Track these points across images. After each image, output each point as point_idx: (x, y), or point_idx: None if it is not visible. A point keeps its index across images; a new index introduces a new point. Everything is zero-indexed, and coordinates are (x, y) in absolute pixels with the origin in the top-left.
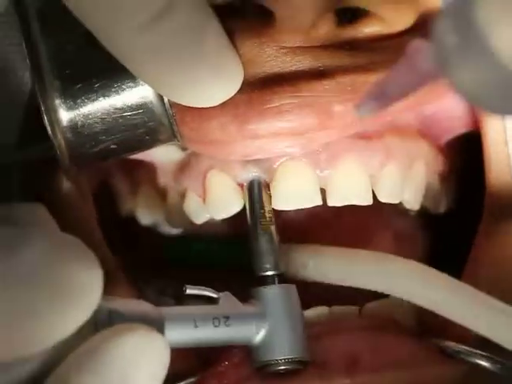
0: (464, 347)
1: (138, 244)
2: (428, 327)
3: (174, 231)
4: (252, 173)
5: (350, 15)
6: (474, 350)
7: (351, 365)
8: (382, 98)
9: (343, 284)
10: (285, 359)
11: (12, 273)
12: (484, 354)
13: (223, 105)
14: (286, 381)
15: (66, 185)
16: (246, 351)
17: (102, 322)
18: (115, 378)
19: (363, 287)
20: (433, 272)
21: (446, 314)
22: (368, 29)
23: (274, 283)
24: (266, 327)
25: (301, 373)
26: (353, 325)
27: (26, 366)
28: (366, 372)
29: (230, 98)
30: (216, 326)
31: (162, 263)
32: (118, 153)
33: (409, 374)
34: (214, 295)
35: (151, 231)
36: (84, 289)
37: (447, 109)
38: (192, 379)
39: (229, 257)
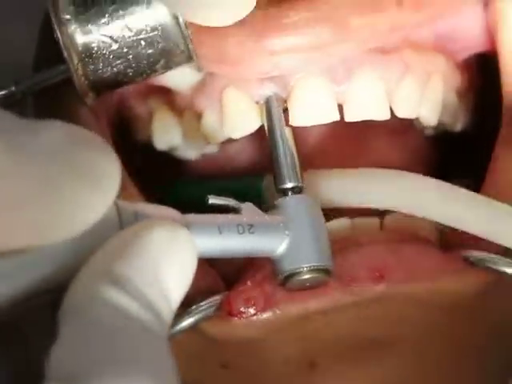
0: (488, 255)
1: (155, 173)
2: (450, 238)
3: (191, 155)
4: (269, 90)
5: None
6: (499, 257)
7: (377, 277)
8: None
9: (364, 206)
10: (309, 267)
11: (38, 151)
12: (509, 260)
13: (240, 22)
14: (311, 295)
15: (82, 110)
16: (269, 268)
17: (127, 222)
18: (149, 269)
19: (385, 208)
20: (449, 187)
21: (468, 230)
22: None
23: (295, 194)
24: (289, 236)
25: (326, 286)
26: (376, 237)
27: (59, 252)
28: (391, 284)
29: (247, 15)
30: (240, 233)
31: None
32: (134, 76)
33: (434, 284)
34: (236, 205)
35: (167, 161)
36: (105, 172)
37: (463, 26)
38: (217, 297)
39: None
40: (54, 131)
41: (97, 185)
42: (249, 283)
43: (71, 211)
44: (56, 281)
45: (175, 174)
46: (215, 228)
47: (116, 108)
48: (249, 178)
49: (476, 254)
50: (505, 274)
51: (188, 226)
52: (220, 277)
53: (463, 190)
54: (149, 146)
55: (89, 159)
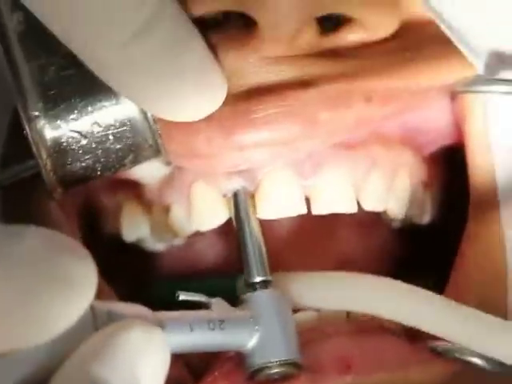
0: (455, 345)
1: (123, 265)
2: (415, 329)
3: (159, 247)
4: (237, 183)
5: (332, 23)
6: (465, 347)
7: (343, 369)
8: None
9: (329, 309)
10: (278, 361)
11: (16, 260)
12: (475, 350)
13: (209, 118)
14: None
15: (51, 205)
16: (236, 360)
17: (101, 322)
18: (126, 369)
19: (350, 310)
20: (413, 290)
21: (435, 333)
22: (350, 36)
23: (263, 288)
24: (258, 331)
25: (293, 379)
26: (342, 329)
27: (33, 356)
28: (358, 375)
29: (216, 111)
30: (211, 329)
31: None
32: (102, 171)
33: (400, 374)
34: (206, 301)
35: (136, 253)
36: (81, 277)
37: (430, 120)
38: None
39: None
40: (30, 238)
41: (73, 291)
42: (216, 374)
43: (47, 318)
44: None
45: (143, 266)
46: (187, 325)
47: (84, 200)
48: (222, 279)
49: (442, 344)
50: (472, 364)
51: (160, 324)
52: (186, 367)
53: (427, 293)
54: (117, 238)
55: (66, 266)
